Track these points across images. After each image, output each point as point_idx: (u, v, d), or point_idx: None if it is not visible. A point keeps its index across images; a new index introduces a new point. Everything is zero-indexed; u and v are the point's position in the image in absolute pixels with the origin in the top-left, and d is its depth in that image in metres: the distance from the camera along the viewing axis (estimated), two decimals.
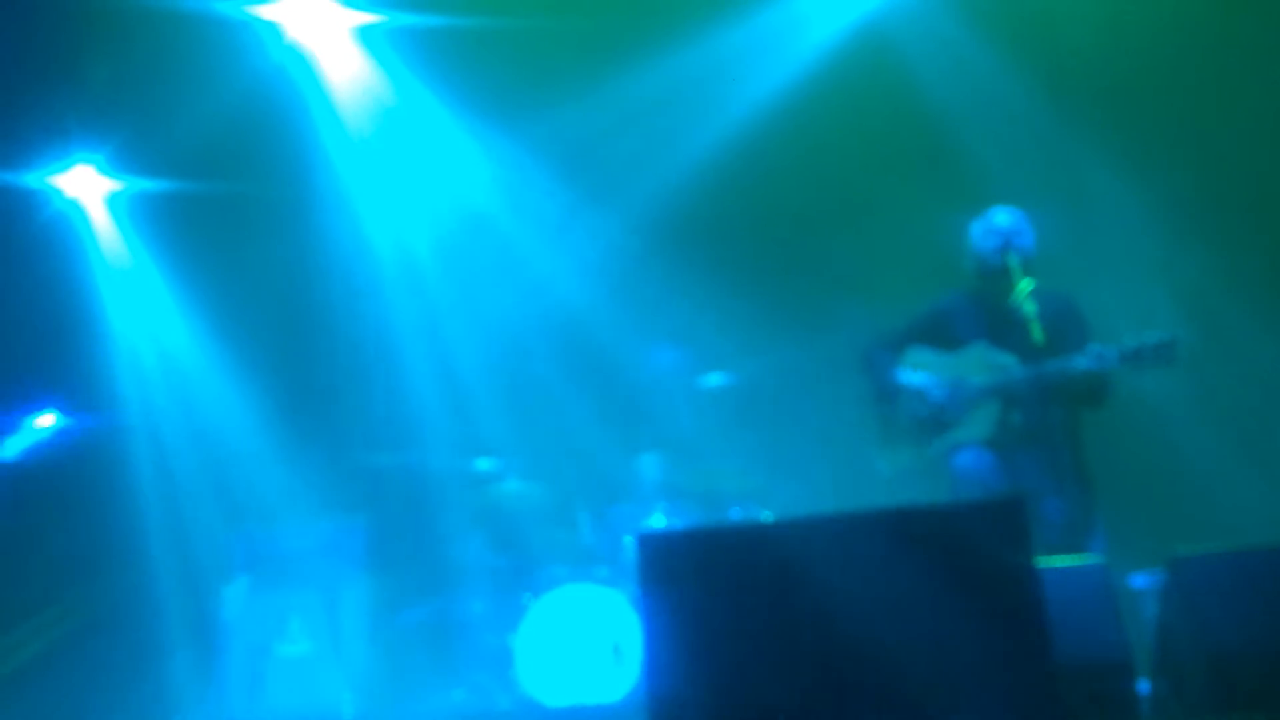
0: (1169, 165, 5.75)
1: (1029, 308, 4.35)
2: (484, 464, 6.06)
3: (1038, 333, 4.29)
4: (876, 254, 6.26)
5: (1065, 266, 4.89)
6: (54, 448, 6.36)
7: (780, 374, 6.22)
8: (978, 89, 5.94)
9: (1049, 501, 4.31)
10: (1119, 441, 4.90)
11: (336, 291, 6.91)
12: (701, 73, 6.16)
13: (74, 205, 6.78)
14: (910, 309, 5.04)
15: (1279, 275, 5.57)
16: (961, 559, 2.78)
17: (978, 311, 4.75)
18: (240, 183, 6.61)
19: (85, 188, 6.73)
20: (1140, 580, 4.40)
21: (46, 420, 6.32)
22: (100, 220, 6.86)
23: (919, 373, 4.75)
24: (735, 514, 5.61)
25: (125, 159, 6.60)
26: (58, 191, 6.68)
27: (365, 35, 6.33)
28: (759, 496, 5.70)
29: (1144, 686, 3.33)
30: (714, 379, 6.00)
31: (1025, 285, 4.43)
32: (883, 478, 4.86)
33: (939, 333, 4.82)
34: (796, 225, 6.58)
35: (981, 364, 4.62)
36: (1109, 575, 3.41)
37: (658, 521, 5.56)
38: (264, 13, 5.98)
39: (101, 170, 6.66)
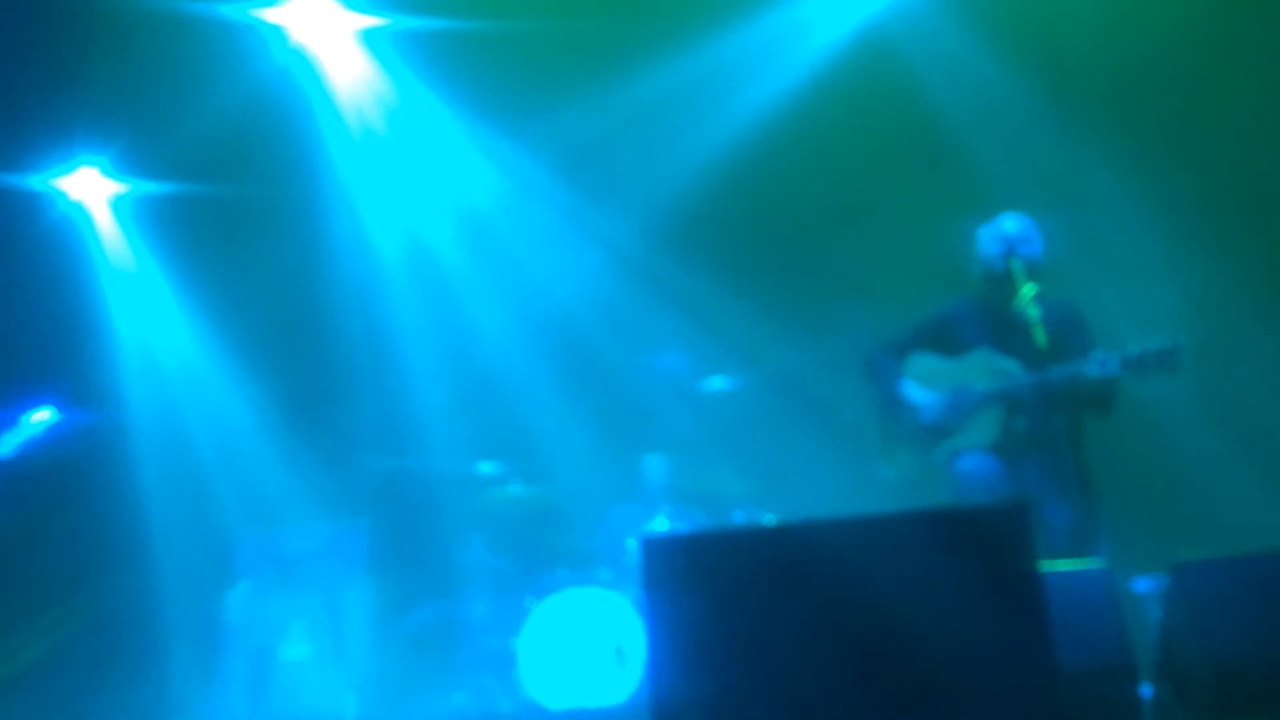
0: (1170, 167, 5.75)
1: (1033, 313, 4.35)
2: (487, 467, 6.06)
3: (1041, 338, 4.29)
4: (879, 257, 6.27)
5: (1066, 269, 4.89)
6: (53, 446, 6.36)
7: (783, 377, 6.22)
8: (979, 92, 5.95)
9: (1052, 506, 4.31)
10: (1122, 446, 4.89)
11: (339, 294, 6.92)
12: (704, 76, 6.17)
13: (78, 208, 6.80)
14: (912, 312, 5.04)
15: None
16: (965, 563, 2.77)
17: (981, 317, 4.74)
18: (244, 185, 6.63)
19: (90, 190, 6.75)
20: (1143, 584, 4.39)
21: (42, 416, 6.31)
22: (105, 223, 6.88)
23: (920, 389, 4.76)
24: (738, 517, 5.61)
25: (129, 161, 6.62)
26: (62, 194, 6.70)
27: (369, 38, 6.34)
28: (762, 500, 5.70)
29: (1147, 690, 3.33)
30: (717, 382, 6.00)
31: (1029, 291, 4.43)
32: (886, 482, 4.86)
33: (942, 338, 4.82)
34: (799, 228, 6.59)
35: (985, 369, 4.62)
36: (1112, 579, 3.41)
37: (661, 525, 5.56)
38: (268, 16, 5.99)
39: (106, 173, 6.68)
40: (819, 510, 4.97)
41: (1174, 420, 5.38)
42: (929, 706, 2.69)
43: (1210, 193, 5.72)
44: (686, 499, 5.74)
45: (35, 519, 6.17)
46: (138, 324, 6.94)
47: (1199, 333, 4.82)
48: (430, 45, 6.29)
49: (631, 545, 5.45)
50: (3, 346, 6.26)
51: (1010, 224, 4.68)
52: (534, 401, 6.45)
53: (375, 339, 6.88)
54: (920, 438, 4.73)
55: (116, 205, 6.86)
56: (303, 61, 6.32)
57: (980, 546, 2.80)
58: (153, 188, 6.74)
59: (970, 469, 4.48)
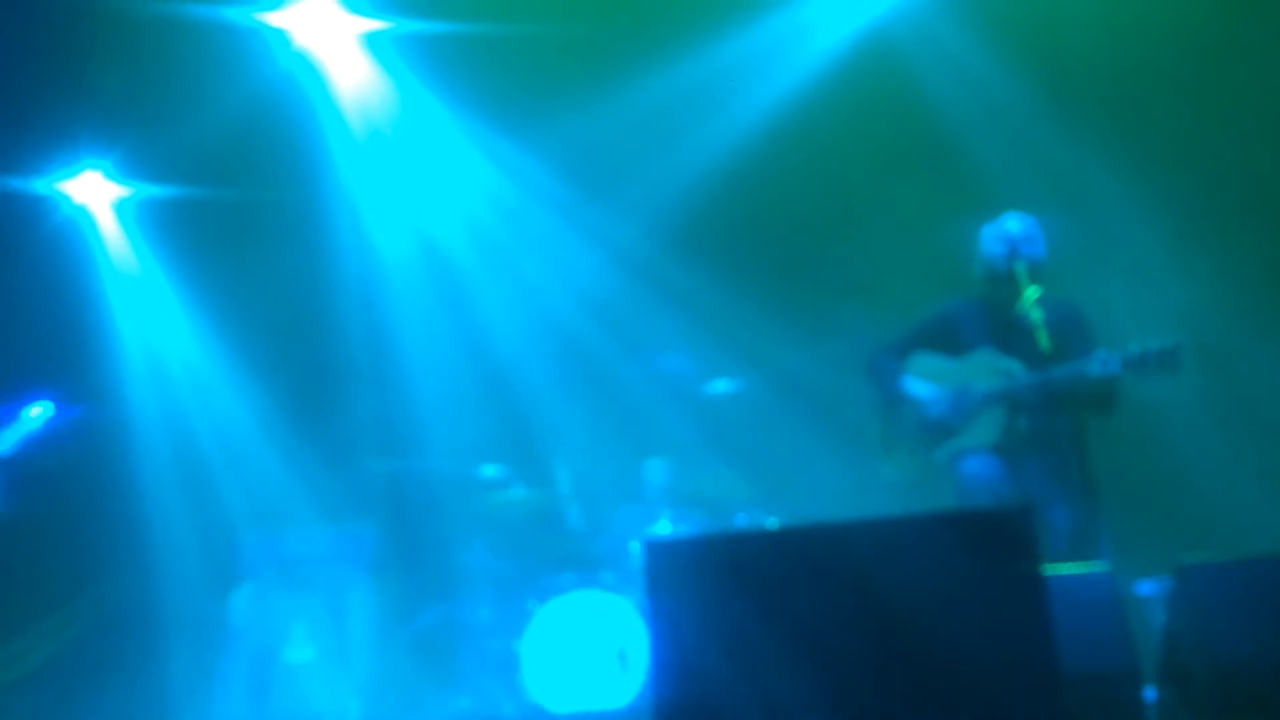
0: (1172, 168, 5.75)
1: (1035, 314, 4.34)
2: (490, 470, 6.07)
3: (1044, 339, 4.28)
4: (880, 259, 6.27)
5: (1068, 270, 4.88)
6: (53, 445, 6.35)
7: (785, 379, 6.22)
8: (982, 94, 5.95)
9: (1055, 509, 4.30)
10: (1125, 447, 4.88)
11: (342, 297, 6.93)
12: (707, 79, 6.18)
13: (82, 211, 6.82)
14: (914, 314, 5.03)
15: None
16: (969, 566, 2.77)
17: (984, 317, 4.74)
18: (247, 188, 6.64)
19: (93, 193, 6.77)
20: (1147, 587, 4.38)
21: (37, 411, 6.30)
22: (108, 226, 6.89)
23: (923, 384, 4.75)
24: (741, 521, 5.61)
25: (133, 165, 6.63)
26: (66, 197, 6.71)
27: (372, 42, 6.35)
28: (765, 503, 5.70)
29: (1150, 694, 3.32)
30: (719, 385, 6.00)
31: (1031, 292, 4.43)
32: (888, 484, 4.85)
33: (945, 338, 4.81)
34: (801, 230, 6.59)
35: (987, 370, 4.61)
36: (1115, 582, 3.40)
37: (664, 528, 5.57)
38: (272, 20, 6.00)
39: (109, 176, 6.69)
40: (822, 513, 4.99)
41: (1177, 422, 5.38)
42: (933, 709, 2.69)
43: (1212, 193, 5.72)
44: (689, 502, 5.74)
45: (38, 521, 6.18)
46: (142, 327, 6.95)
47: (1202, 333, 4.82)
48: (433, 49, 6.30)
49: (634, 548, 5.45)
50: (7, 350, 6.27)
51: (1014, 224, 4.67)
52: (537, 404, 6.46)
53: (378, 341, 6.89)
54: (922, 437, 4.72)
55: (120, 209, 6.87)
56: (306, 65, 6.32)
57: (984, 550, 2.79)
58: (156, 191, 6.75)
59: (974, 471, 4.47)
